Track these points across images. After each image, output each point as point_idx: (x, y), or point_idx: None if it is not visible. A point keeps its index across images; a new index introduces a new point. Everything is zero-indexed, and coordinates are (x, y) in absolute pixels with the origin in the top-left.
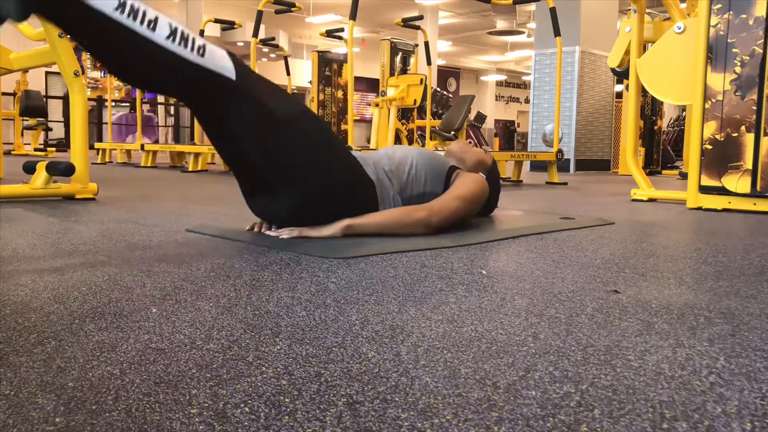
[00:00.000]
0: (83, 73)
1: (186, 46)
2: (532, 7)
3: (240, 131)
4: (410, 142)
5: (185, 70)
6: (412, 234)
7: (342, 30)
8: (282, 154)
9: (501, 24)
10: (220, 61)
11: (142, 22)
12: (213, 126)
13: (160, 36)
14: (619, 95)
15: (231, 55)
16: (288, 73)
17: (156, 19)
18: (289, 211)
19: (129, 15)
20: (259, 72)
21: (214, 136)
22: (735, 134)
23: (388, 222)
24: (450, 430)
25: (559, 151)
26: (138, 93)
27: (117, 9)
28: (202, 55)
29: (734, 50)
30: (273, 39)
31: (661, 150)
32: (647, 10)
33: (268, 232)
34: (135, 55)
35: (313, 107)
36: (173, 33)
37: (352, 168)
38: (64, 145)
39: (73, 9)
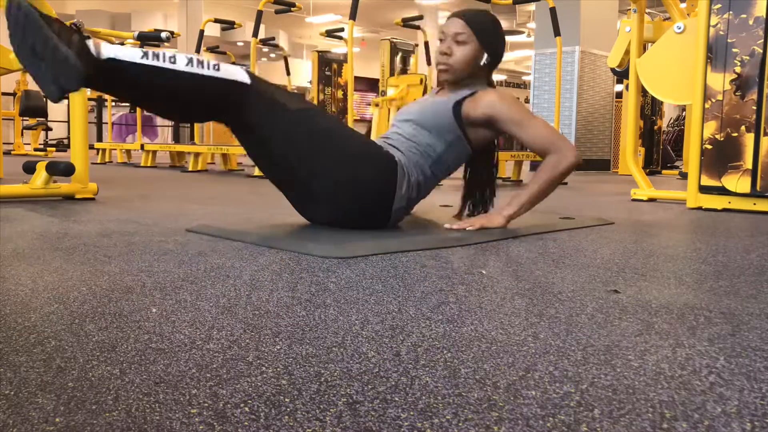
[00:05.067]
0: None
1: (203, 66)
2: (532, 7)
3: (265, 131)
4: None
5: (207, 85)
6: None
7: (342, 30)
8: (304, 146)
9: (501, 24)
10: (233, 72)
11: (164, 60)
12: (247, 138)
13: (180, 65)
14: (619, 95)
15: (244, 68)
16: (288, 73)
17: (174, 56)
18: (328, 210)
19: (152, 58)
20: (259, 72)
21: (252, 151)
22: (735, 134)
23: (541, 194)
24: (450, 430)
25: None
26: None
27: (142, 57)
28: (218, 70)
29: (734, 50)
30: (273, 39)
31: (661, 150)
32: (647, 10)
33: (451, 226)
34: (165, 86)
35: None
36: (190, 61)
37: (374, 155)
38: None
39: (106, 73)
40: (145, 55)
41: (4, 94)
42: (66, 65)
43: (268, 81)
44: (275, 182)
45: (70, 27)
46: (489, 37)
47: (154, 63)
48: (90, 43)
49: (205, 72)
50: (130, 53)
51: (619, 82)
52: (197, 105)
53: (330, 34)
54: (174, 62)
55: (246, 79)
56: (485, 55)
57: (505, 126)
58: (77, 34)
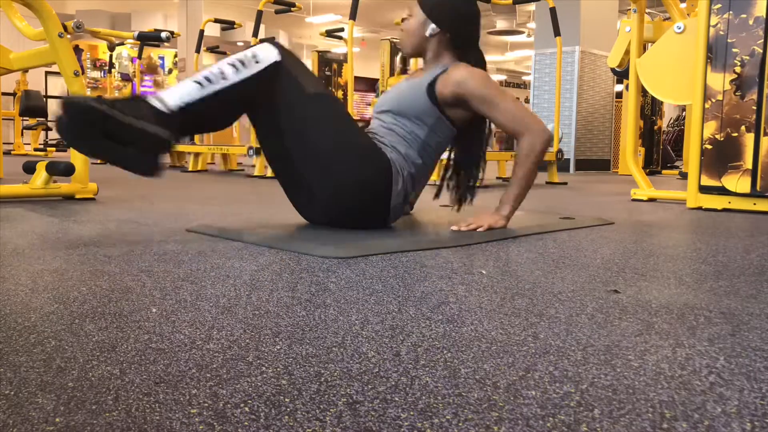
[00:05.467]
0: (83, 73)
1: (245, 66)
2: (532, 7)
3: (282, 110)
4: None
5: (256, 82)
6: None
7: (342, 30)
8: (310, 131)
9: (501, 24)
10: (269, 55)
11: (217, 80)
12: (262, 117)
13: (231, 77)
14: (619, 95)
15: (272, 42)
16: None
17: (221, 70)
18: (327, 210)
19: (206, 83)
20: None
21: (261, 132)
22: (735, 134)
23: (527, 185)
24: (450, 430)
25: (559, 151)
26: (137, 92)
27: (200, 89)
28: (258, 61)
29: (734, 50)
30: (273, 39)
31: (661, 150)
32: (647, 10)
33: (459, 227)
34: (227, 103)
35: None
36: (234, 66)
37: (372, 153)
38: None
39: (183, 123)
40: (200, 84)
41: (4, 94)
42: (157, 140)
43: (293, 54)
44: (277, 172)
45: (129, 99)
46: (432, 6)
47: (213, 88)
48: (155, 102)
49: (252, 70)
50: (189, 89)
51: (619, 82)
52: (248, 103)
53: (330, 34)
54: (225, 77)
55: (277, 56)
56: (431, 25)
57: (474, 104)
58: (141, 101)
